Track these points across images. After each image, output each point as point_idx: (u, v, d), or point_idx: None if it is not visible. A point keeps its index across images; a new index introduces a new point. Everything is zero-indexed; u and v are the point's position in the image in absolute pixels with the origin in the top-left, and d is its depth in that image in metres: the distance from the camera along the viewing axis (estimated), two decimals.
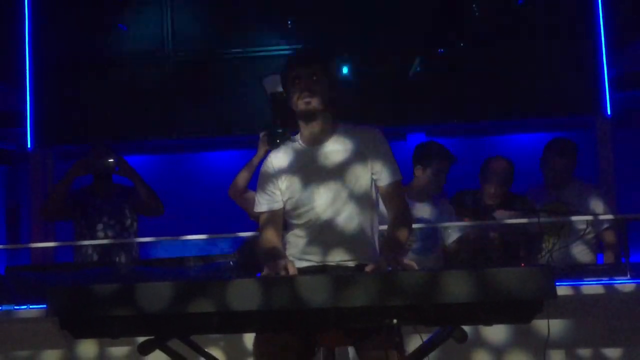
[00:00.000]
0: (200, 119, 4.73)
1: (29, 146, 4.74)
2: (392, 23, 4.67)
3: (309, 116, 2.28)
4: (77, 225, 3.87)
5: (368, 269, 2.08)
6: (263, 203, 2.36)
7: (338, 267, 2.26)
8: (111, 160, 3.78)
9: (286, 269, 2.11)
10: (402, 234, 2.26)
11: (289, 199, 2.32)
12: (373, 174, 2.29)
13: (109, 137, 4.69)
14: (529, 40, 4.62)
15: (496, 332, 2.89)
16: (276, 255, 2.22)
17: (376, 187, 2.32)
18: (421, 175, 3.55)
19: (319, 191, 2.28)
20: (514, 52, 4.64)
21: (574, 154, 3.70)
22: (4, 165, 5.61)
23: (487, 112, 4.69)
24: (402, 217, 2.29)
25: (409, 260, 2.13)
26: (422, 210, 3.57)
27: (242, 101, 4.67)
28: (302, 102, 2.25)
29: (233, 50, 4.74)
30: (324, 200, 2.27)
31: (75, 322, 1.83)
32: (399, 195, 2.32)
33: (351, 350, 2.76)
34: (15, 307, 2.98)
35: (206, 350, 2.15)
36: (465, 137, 5.16)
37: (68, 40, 4.80)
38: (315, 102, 2.25)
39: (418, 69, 4.60)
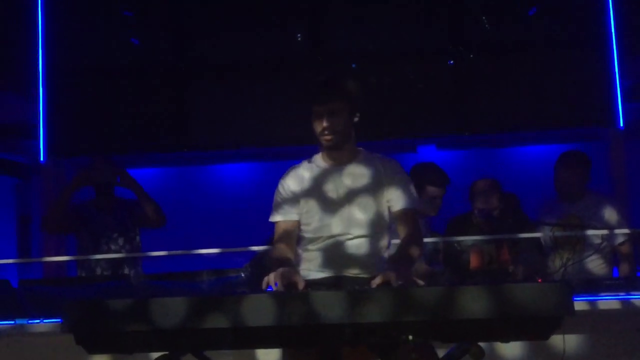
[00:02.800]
0: (212, 132, 4.74)
1: (41, 158, 4.76)
2: (402, 34, 4.67)
3: (330, 149, 2.36)
4: (80, 239, 3.86)
5: (375, 281, 2.09)
6: (279, 213, 2.40)
7: (353, 279, 2.28)
8: (111, 171, 3.77)
9: (296, 282, 2.11)
10: (413, 250, 2.28)
11: (305, 215, 2.36)
12: (388, 201, 2.34)
13: (121, 150, 4.71)
14: (539, 52, 4.61)
15: (511, 348, 2.86)
16: (288, 265, 2.24)
17: (390, 213, 2.36)
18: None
19: (334, 212, 2.33)
20: (525, 63, 4.62)
21: (586, 166, 3.66)
22: (16, 178, 5.64)
23: (498, 124, 4.67)
24: (414, 237, 2.33)
25: (417, 278, 2.13)
26: None
27: (254, 113, 4.68)
28: (323, 139, 2.34)
29: (245, 62, 4.75)
30: (338, 221, 2.32)
31: (90, 337, 1.83)
32: (413, 221, 2.36)
33: None
34: (28, 320, 2.98)
35: None
36: (475, 149, 5.14)
37: (81, 52, 4.82)
38: (335, 138, 2.33)
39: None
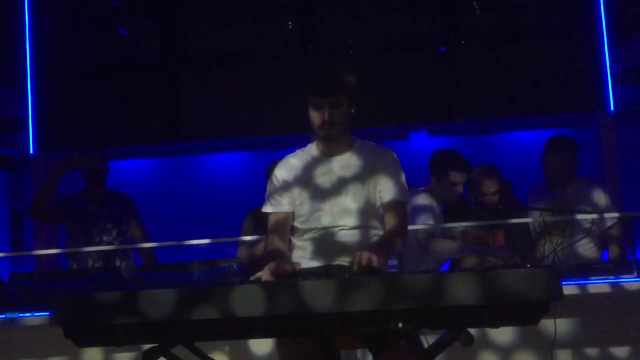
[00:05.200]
0: (203, 122, 4.72)
1: (31, 152, 4.74)
2: (393, 22, 4.65)
3: (327, 140, 2.35)
4: (71, 231, 3.83)
5: (356, 259, 2.08)
6: (271, 204, 2.39)
7: (342, 267, 2.27)
8: (99, 158, 3.73)
9: (286, 271, 2.13)
10: (396, 241, 2.28)
11: (299, 204, 2.35)
12: (379, 191, 2.33)
13: (112, 142, 4.69)
14: (530, 38, 4.60)
15: (502, 333, 2.87)
16: (279, 258, 2.24)
17: (380, 203, 2.35)
18: (436, 184, 3.54)
19: (327, 201, 2.32)
20: (516, 49, 4.61)
21: (574, 152, 3.66)
22: (7, 172, 5.61)
23: (489, 111, 4.67)
24: (399, 228, 2.31)
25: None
26: (437, 208, 3.57)
27: (246, 104, 4.66)
28: (322, 131, 2.32)
29: (236, 52, 4.73)
30: (329, 211, 2.31)
31: (79, 331, 1.83)
32: (400, 213, 2.34)
33: (359, 352, 2.75)
34: (19, 314, 2.97)
35: (211, 356, 2.14)
36: (467, 136, 5.15)
37: (69, 45, 4.79)
38: (334, 131, 2.32)
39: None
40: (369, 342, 2.10)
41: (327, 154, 2.37)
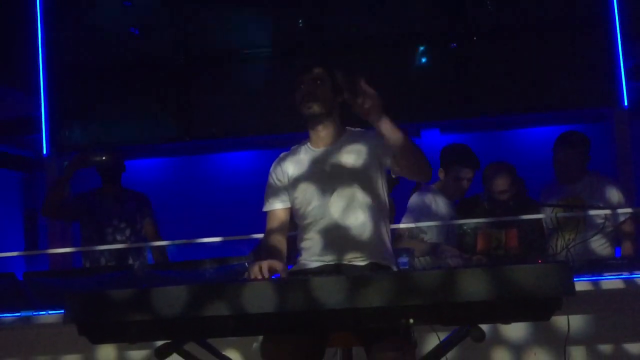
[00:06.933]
0: (214, 120, 4.74)
1: (44, 152, 4.78)
2: (404, 18, 4.65)
3: (313, 120, 2.34)
4: (85, 229, 3.83)
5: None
6: (271, 203, 2.39)
7: (352, 266, 2.26)
8: (109, 156, 3.72)
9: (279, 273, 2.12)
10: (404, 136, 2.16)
11: (299, 200, 2.34)
12: (383, 158, 2.28)
13: (123, 141, 4.72)
14: (543, 33, 4.58)
15: (515, 329, 2.86)
16: (274, 255, 2.23)
17: (391, 177, 2.33)
18: (443, 178, 3.57)
19: (331, 193, 2.30)
20: (528, 45, 4.59)
21: (584, 147, 3.62)
22: (21, 172, 5.67)
23: (502, 107, 4.65)
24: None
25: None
26: (443, 207, 3.59)
27: (257, 102, 4.67)
28: (305, 107, 2.31)
29: (246, 51, 4.75)
30: (336, 202, 2.29)
31: (93, 328, 1.84)
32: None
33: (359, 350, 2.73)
34: (33, 312, 3.00)
35: (223, 352, 2.15)
36: (479, 132, 5.13)
37: (81, 45, 4.83)
38: (317, 107, 2.31)
39: (424, 59, 4.57)
40: (366, 339, 2.05)
41: (320, 146, 2.35)
